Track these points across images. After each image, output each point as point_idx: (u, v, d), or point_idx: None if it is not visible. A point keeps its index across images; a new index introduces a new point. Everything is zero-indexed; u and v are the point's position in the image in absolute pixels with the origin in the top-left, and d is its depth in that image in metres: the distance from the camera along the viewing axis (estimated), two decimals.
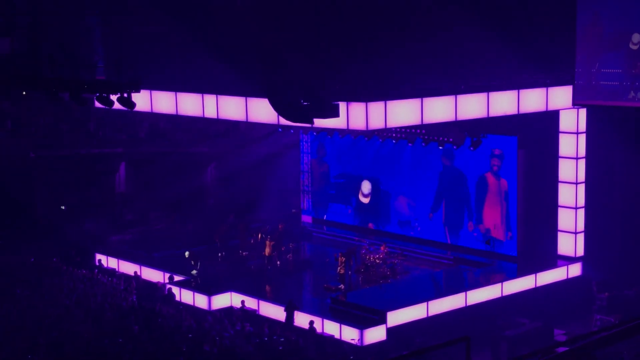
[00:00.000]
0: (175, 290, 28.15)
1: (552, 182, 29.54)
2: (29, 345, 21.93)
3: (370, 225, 34.39)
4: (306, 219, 37.01)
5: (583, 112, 28.64)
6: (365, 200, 34.18)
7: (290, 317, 25.27)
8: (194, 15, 27.22)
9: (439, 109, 25.25)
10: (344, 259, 28.14)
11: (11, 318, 24.30)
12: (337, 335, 24.63)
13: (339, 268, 28.18)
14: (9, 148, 36.05)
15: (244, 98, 26.06)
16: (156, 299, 27.47)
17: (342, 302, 26.51)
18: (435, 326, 25.08)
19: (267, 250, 30.24)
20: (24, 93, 30.17)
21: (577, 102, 26.28)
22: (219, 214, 36.28)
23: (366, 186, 34.15)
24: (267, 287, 28.99)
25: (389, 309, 25.24)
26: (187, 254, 30.32)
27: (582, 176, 29.17)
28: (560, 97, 27.27)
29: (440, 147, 29.80)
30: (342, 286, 27.88)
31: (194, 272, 29.75)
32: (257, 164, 37.54)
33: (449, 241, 31.53)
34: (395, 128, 29.26)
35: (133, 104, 23.28)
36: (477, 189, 30.63)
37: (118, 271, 31.42)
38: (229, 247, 32.65)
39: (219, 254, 31.96)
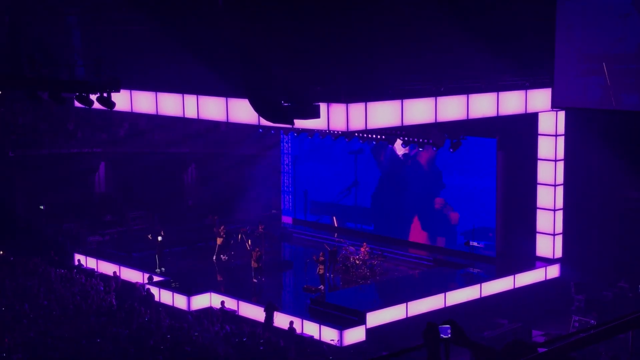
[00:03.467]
0: (154, 290, 28.06)
1: (530, 184, 29.71)
2: (6, 345, 21.80)
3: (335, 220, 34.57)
4: (286, 219, 37.01)
5: (562, 114, 28.83)
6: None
7: (269, 317, 25.26)
8: (174, 15, 27.15)
9: (419, 111, 25.33)
10: (323, 258, 28.20)
11: None
12: (316, 336, 24.65)
13: (318, 269, 28.21)
14: None
15: (225, 98, 26.05)
16: (135, 299, 27.38)
17: (322, 303, 26.53)
18: (414, 327, 25.15)
19: (254, 263, 29.22)
20: (0, 92, 29.98)
21: (556, 105, 26.42)
22: (198, 215, 36.21)
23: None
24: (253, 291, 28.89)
25: (368, 309, 25.31)
26: (159, 238, 30.10)
27: (560, 178, 29.36)
28: (539, 99, 27.43)
29: (420, 149, 29.89)
30: (321, 287, 27.91)
31: (160, 270, 29.77)
32: (238, 164, 37.50)
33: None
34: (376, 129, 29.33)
35: (113, 104, 23.21)
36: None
37: (97, 271, 31.28)
38: (209, 247, 32.59)
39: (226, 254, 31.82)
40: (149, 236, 30.46)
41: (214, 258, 31.60)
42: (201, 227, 33.99)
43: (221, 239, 31.66)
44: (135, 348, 21.85)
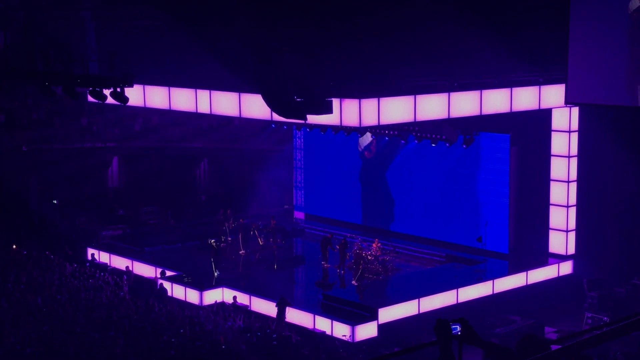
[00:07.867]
0: (167, 285, 28.13)
1: (544, 180, 29.62)
2: (20, 339, 21.90)
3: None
4: (299, 215, 37.02)
5: (575, 110, 28.71)
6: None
7: (281, 313, 25.29)
8: (187, 10, 27.18)
9: (432, 106, 25.28)
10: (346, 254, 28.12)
11: (2, 311, 24.27)
12: (328, 332, 24.67)
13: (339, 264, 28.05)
14: (2, 142, 35.98)
15: (237, 94, 26.06)
16: (149, 293, 27.46)
17: (334, 298, 26.54)
18: (426, 323, 25.09)
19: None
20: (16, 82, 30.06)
21: (569, 101, 26.30)
22: (211, 210, 36.27)
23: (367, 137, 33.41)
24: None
25: (380, 305, 25.30)
26: (216, 274, 29.13)
27: (573, 174, 29.26)
28: (552, 95, 27.31)
29: (433, 145, 29.84)
30: (339, 276, 27.94)
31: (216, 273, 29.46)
32: (250, 159, 37.53)
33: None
34: (388, 125, 29.29)
35: (126, 99, 23.27)
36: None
37: (110, 266, 31.39)
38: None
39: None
40: (213, 242, 29.88)
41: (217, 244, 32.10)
42: (214, 222, 34.01)
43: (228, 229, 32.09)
44: (148, 342, 21.92)
